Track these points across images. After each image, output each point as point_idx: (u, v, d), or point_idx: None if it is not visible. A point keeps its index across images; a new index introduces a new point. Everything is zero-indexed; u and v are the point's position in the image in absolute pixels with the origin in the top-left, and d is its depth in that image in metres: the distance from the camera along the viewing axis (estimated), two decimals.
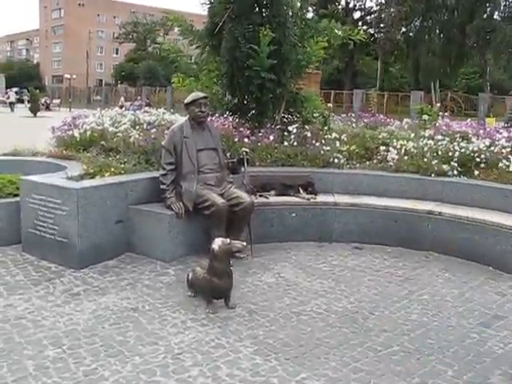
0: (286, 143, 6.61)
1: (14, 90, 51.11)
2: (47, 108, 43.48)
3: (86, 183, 4.87)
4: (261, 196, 5.84)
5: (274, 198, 5.85)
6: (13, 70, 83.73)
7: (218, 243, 3.89)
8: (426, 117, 7.92)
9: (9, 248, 5.10)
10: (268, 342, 3.49)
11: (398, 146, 6.69)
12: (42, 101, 44.06)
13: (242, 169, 5.48)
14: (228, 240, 3.93)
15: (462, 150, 6.43)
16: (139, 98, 39.65)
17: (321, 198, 5.94)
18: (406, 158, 6.39)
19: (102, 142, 6.65)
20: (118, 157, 5.91)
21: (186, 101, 5.28)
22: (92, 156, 5.90)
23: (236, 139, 6.51)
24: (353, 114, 11.35)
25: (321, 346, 3.45)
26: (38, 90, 43.40)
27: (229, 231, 5.12)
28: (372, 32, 42.31)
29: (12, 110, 40.13)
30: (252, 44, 6.88)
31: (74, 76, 56.12)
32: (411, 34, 40.45)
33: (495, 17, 37.93)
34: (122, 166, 5.52)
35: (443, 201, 5.88)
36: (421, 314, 4.03)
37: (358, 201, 5.89)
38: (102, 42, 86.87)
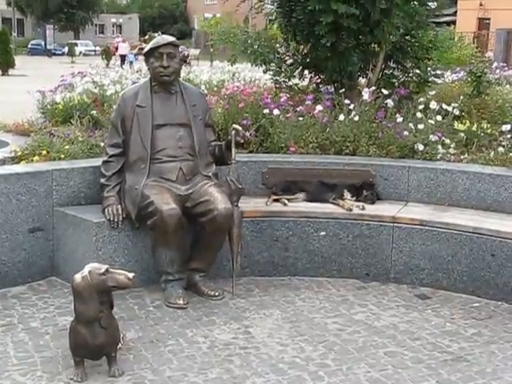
0: (342, 117, 6.00)
1: None
2: (185, 62, 46.46)
3: None
4: (276, 201, 5.41)
5: (297, 205, 5.37)
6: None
7: (81, 273, 3.64)
8: None
9: None
10: None
11: None
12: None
13: (232, 156, 5.05)
14: (103, 268, 3.64)
15: None
16: None
17: (375, 209, 5.29)
18: None
19: (92, 112, 6.81)
20: (80, 134, 5.96)
21: (144, 50, 5.09)
22: (41, 133, 6.02)
23: (266, 110, 6.13)
24: None
25: None
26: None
27: (195, 253, 4.88)
28: None
29: None
30: None
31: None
32: None
33: None
34: (67, 147, 5.53)
35: None
36: None
37: (433, 217, 5.13)
38: None
